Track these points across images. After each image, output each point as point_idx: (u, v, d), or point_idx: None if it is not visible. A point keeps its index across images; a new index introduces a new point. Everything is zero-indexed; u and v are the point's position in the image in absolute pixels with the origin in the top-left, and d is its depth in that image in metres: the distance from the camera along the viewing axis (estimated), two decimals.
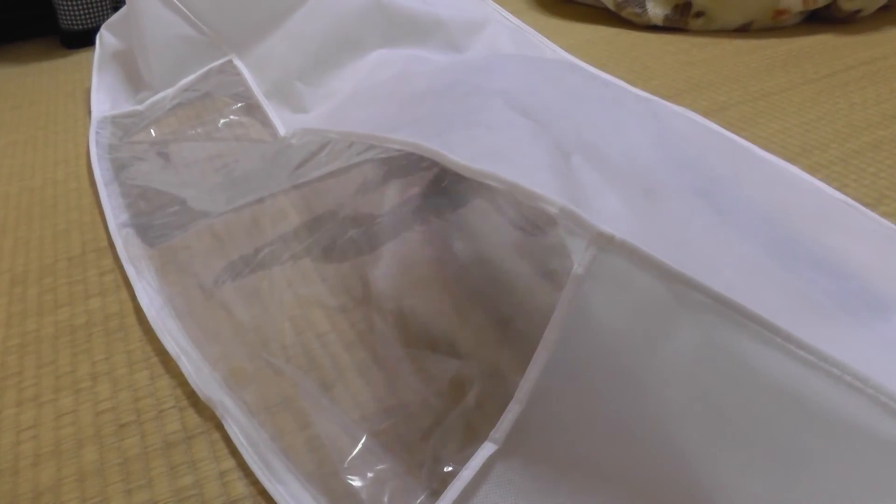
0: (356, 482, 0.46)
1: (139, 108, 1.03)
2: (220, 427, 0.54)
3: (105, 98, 1.08)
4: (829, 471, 0.37)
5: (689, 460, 0.38)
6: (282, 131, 0.91)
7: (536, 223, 0.42)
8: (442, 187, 0.47)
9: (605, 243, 0.37)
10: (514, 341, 0.51)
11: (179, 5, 1.06)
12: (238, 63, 1.07)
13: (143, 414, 0.57)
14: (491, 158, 0.42)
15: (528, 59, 0.65)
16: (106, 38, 1.20)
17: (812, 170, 0.81)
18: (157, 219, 0.75)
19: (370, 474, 0.47)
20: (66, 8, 1.30)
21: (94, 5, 1.31)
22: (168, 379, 0.59)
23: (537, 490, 0.41)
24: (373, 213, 0.51)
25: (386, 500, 0.45)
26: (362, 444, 0.49)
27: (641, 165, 0.56)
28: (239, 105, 1.01)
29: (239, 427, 0.52)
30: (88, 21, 1.32)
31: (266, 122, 0.95)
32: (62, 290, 0.71)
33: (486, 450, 0.41)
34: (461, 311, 0.45)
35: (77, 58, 1.32)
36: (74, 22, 1.32)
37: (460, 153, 0.42)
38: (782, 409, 0.37)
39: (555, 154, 0.44)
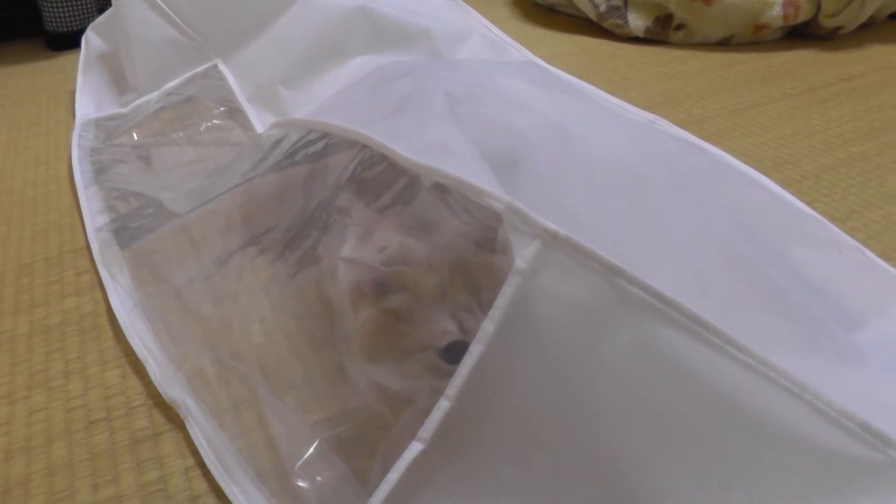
0: (305, 485, 0.47)
1: (123, 110, 1.04)
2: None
3: (89, 100, 1.09)
4: (765, 475, 0.38)
5: (625, 462, 0.39)
6: None
7: (483, 220, 0.42)
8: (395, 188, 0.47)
9: (549, 239, 0.38)
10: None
11: (166, 9, 1.07)
12: (223, 68, 1.08)
13: (114, 411, 0.57)
14: (436, 151, 0.43)
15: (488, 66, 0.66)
16: (91, 39, 1.20)
17: (784, 184, 0.82)
18: (133, 221, 0.75)
19: (319, 478, 0.47)
20: (50, 9, 1.31)
21: (79, 7, 1.32)
22: (139, 378, 0.60)
23: (467, 490, 0.40)
24: (328, 218, 0.52)
25: (332, 503, 0.45)
26: (314, 448, 0.49)
27: (610, 161, 0.57)
28: (221, 109, 1.02)
29: (199, 428, 0.53)
30: (73, 23, 1.33)
31: (247, 126, 0.96)
32: (39, 290, 0.72)
33: (413, 450, 0.40)
34: (416, 318, 0.45)
35: (61, 60, 1.32)
36: (59, 24, 1.33)
37: (405, 145, 0.43)
38: (720, 412, 0.37)
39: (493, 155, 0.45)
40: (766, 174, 0.83)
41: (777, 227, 0.70)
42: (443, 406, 0.39)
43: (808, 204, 0.77)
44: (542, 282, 0.38)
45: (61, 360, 0.63)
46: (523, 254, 0.38)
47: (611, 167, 0.56)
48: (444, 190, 0.43)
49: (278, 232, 0.56)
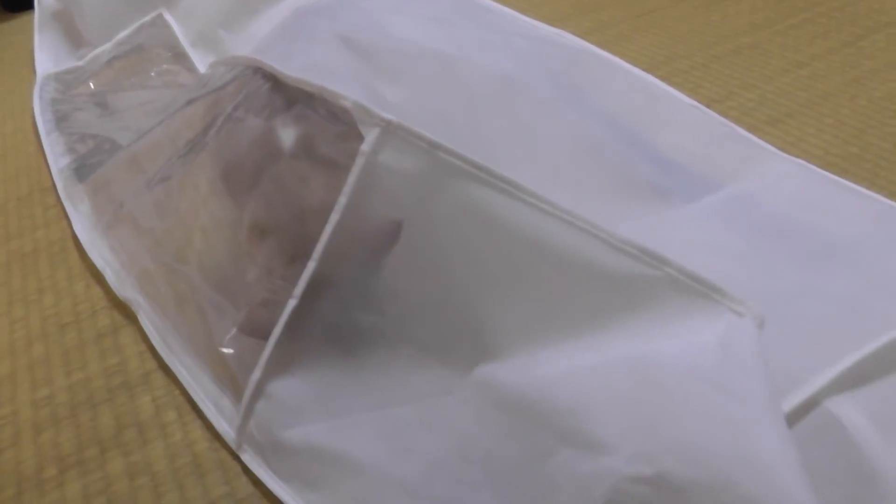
0: (229, 351, 0.58)
1: (80, 63, 1.12)
2: None
3: (48, 57, 1.17)
4: (569, 300, 0.47)
5: (462, 299, 0.49)
6: None
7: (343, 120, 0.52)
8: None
9: (385, 125, 0.48)
10: None
11: None
12: (167, 16, 1.16)
13: (81, 315, 0.68)
14: (311, 68, 0.53)
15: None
16: None
17: (671, 75, 0.91)
18: (90, 158, 0.85)
19: (239, 345, 0.58)
20: None
21: None
22: (100, 287, 0.71)
23: (336, 336, 0.52)
24: (226, 126, 0.62)
25: (246, 360, 0.55)
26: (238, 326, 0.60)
27: (491, 79, 0.67)
28: (169, 55, 1.10)
29: (148, 318, 0.65)
30: None
31: (192, 69, 1.05)
32: (13, 225, 0.82)
33: (289, 307, 0.51)
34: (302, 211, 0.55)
35: (20, 20, 1.40)
36: None
37: (290, 66, 0.53)
38: (528, 252, 0.47)
39: (369, 72, 0.55)
40: (657, 68, 0.92)
41: (652, 119, 0.80)
42: (310, 267, 0.50)
43: (693, 90, 0.87)
44: (383, 160, 0.48)
45: (35, 279, 0.74)
46: (367, 139, 0.48)
47: (489, 84, 0.66)
48: (312, 98, 0.53)
49: (196, 142, 0.66)
